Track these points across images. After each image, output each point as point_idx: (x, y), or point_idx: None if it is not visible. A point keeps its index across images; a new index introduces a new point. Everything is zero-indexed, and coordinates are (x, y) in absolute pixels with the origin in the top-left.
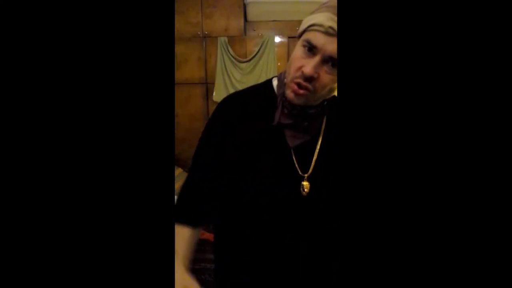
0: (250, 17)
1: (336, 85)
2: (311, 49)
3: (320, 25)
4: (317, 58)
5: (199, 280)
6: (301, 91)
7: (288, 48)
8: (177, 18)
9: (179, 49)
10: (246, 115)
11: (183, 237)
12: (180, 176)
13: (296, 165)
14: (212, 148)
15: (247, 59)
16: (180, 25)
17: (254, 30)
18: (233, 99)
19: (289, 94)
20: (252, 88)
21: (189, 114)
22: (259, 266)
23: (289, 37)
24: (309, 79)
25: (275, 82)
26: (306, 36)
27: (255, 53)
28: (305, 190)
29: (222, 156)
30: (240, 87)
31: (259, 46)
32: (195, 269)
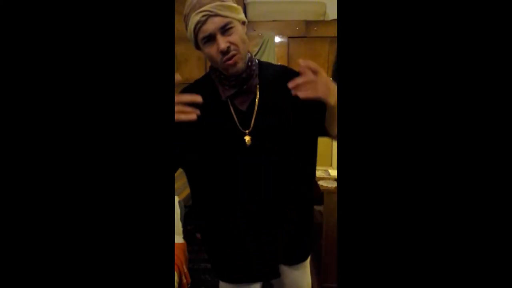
0: (250, 17)
1: (245, 37)
2: (209, 37)
3: (198, 22)
4: (218, 37)
5: (199, 280)
6: (233, 60)
7: (288, 48)
8: (177, 18)
9: (179, 49)
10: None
11: None
12: (180, 176)
13: (238, 125)
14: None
15: None
16: (180, 25)
17: (254, 30)
18: (185, 91)
19: (230, 70)
20: (196, 82)
21: None
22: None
23: (289, 37)
24: (228, 50)
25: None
26: (200, 36)
27: (255, 53)
28: (247, 142)
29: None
30: None
31: (259, 46)
32: (194, 269)
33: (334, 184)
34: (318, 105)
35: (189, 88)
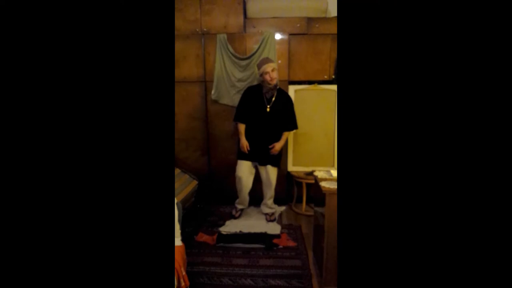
0: (250, 14)
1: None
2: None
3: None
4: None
5: (197, 283)
6: (273, 82)
7: (289, 45)
8: (175, 15)
9: (177, 46)
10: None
11: (242, 127)
12: (179, 176)
13: (266, 104)
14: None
15: (247, 56)
16: (179, 22)
17: (254, 27)
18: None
19: (271, 83)
20: (251, 86)
21: (187, 113)
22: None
23: (290, 34)
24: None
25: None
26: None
27: (255, 50)
28: (267, 110)
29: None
30: (239, 85)
31: (259, 43)
32: (193, 272)
33: (336, 185)
34: (288, 111)
35: (249, 88)
